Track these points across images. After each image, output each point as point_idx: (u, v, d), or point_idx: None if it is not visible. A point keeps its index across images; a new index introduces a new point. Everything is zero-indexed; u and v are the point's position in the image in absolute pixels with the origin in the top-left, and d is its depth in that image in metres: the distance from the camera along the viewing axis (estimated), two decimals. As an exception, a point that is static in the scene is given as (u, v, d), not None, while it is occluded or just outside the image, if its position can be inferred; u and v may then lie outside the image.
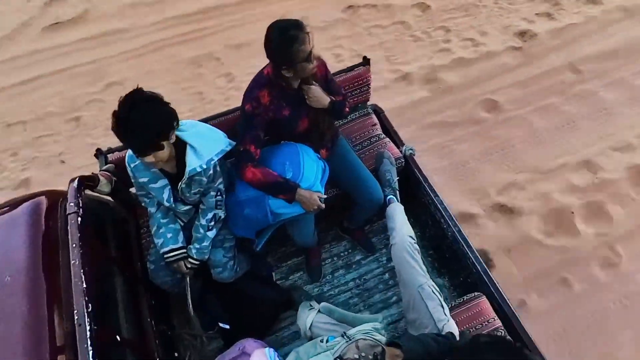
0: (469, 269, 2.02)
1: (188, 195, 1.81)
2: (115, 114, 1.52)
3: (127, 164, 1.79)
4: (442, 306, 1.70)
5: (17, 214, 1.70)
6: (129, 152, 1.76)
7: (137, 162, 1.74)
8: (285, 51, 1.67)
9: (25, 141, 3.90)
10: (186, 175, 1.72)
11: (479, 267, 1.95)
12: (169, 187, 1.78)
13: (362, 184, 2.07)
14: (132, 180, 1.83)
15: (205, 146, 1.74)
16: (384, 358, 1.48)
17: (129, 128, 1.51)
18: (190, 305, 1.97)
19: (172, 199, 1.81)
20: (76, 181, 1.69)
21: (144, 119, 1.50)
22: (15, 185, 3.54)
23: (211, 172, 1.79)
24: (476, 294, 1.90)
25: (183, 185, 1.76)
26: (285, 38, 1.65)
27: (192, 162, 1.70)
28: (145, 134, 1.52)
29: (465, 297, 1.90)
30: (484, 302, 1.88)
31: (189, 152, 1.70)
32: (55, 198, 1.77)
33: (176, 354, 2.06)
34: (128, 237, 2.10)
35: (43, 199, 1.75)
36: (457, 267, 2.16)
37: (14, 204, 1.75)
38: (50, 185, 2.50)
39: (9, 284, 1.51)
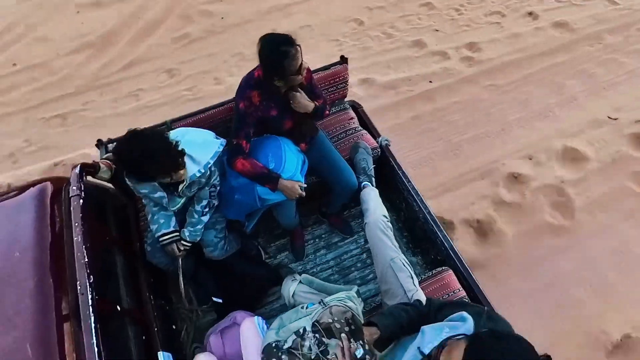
0: (438, 246, 2.09)
1: (188, 193, 1.88)
2: (126, 166, 1.65)
3: (126, 179, 1.83)
4: (412, 277, 1.76)
5: (24, 198, 1.73)
6: None
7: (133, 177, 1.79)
8: (277, 65, 1.72)
9: (391, 20, 4.64)
10: (187, 181, 1.79)
11: (446, 245, 2.02)
12: (164, 193, 1.84)
13: (338, 171, 2.13)
14: (133, 190, 1.88)
15: (200, 152, 1.81)
16: (354, 322, 1.55)
17: (146, 165, 1.60)
18: (182, 285, 2.02)
19: (166, 200, 1.86)
20: (78, 167, 1.74)
21: (150, 147, 1.58)
22: (410, 44, 4.31)
23: (208, 172, 1.86)
24: (444, 267, 1.97)
25: (184, 188, 1.82)
26: (277, 53, 1.70)
27: (191, 169, 1.77)
28: (159, 160, 1.61)
29: (434, 271, 1.96)
30: (451, 275, 1.94)
31: (187, 160, 1.76)
32: (59, 184, 1.81)
33: (174, 327, 2.11)
34: (127, 220, 2.15)
35: (48, 184, 1.79)
36: (428, 245, 2.22)
37: (20, 189, 1.79)
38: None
39: (17, 258, 1.56)
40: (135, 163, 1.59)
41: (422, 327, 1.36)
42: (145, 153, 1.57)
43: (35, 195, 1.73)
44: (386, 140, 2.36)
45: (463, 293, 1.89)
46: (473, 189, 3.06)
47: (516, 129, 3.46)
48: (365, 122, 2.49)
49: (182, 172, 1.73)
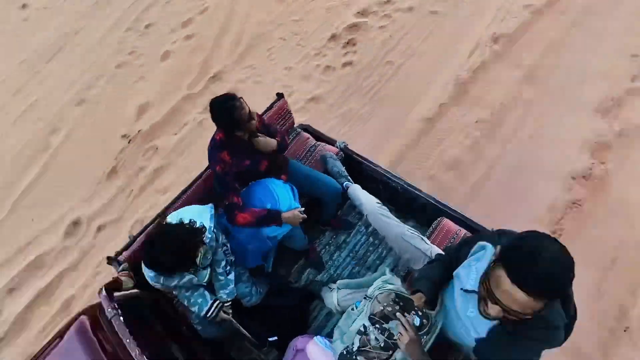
0: (424, 204, 2.09)
1: (205, 261, 1.74)
2: (164, 265, 1.55)
3: (154, 284, 1.71)
4: (423, 239, 1.75)
5: (69, 341, 1.53)
6: (149, 275, 1.69)
7: (161, 278, 1.66)
8: (231, 119, 1.68)
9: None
10: (202, 252, 1.67)
11: (431, 200, 2.02)
12: (192, 276, 1.72)
13: (322, 184, 2.08)
14: (165, 290, 1.77)
15: (200, 221, 1.70)
16: (401, 299, 1.50)
17: (183, 252, 1.55)
18: (247, 334, 1.88)
19: (195, 279, 1.74)
20: (103, 290, 1.59)
21: (175, 237, 1.54)
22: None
23: (214, 235, 1.75)
24: (439, 219, 1.96)
25: (202, 259, 1.69)
26: (226, 110, 1.67)
27: None
28: (189, 241, 1.58)
29: (432, 226, 1.95)
30: (447, 222, 1.95)
31: None
32: (93, 312, 1.63)
33: None
34: (165, 311, 1.97)
35: (84, 318, 1.60)
36: (416, 207, 2.21)
37: (61, 334, 1.58)
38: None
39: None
40: (172, 257, 1.51)
41: (453, 273, 1.34)
42: (176, 243, 1.52)
43: (78, 333, 1.53)
44: (343, 142, 2.34)
45: (463, 230, 1.90)
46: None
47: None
48: (320, 136, 2.45)
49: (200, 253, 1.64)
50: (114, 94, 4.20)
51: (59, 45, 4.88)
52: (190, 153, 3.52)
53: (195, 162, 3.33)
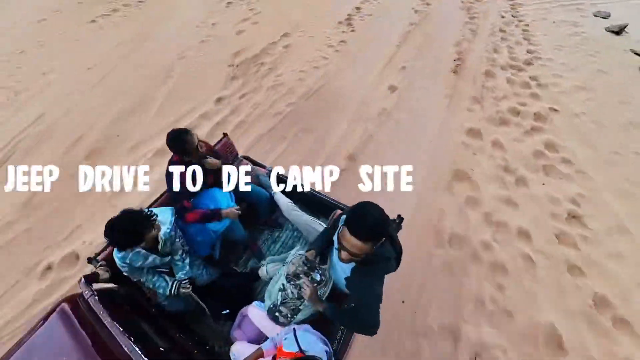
0: (324, 204, 2.47)
1: (165, 248, 1.97)
2: (121, 238, 1.73)
3: (122, 268, 1.86)
4: (320, 223, 2.17)
5: (52, 322, 1.66)
6: (117, 256, 1.86)
7: (127, 257, 1.84)
8: (182, 148, 2.00)
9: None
10: (162, 239, 1.91)
11: (329, 201, 2.43)
12: (155, 256, 1.93)
13: (256, 193, 2.46)
14: (129, 273, 1.90)
15: (162, 217, 1.96)
16: (307, 259, 1.87)
17: (138, 228, 1.76)
18: (205, 308, 2.09)
19: (158, 260, 1.94)
20: (82, 279, 1.77)
21: (131, 217, 1.75)
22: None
23: (173, 228, 2.00)
24: (335, 211, 2.33)
25: (163, 246, 1.92)
26: (178, 141, 1.98)
27: (163, 229, 1.92)
28: (142, 221, 1.77)
29: (331, 215, 2.32)
30: (338, 211, 2.31)
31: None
32: (73, 298, 1.76)
33: (207, 347, 2.14)
34: (135, 298, 2.12)
35: (65, 304, 1.72)
36: (320, 206, 2.54)
37: (44, 318, 1.69)
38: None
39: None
40: (126, 232, 1.70)
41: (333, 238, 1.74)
42: (131, 221, 1.71)
43: (60, 317, 1.66)
44: (270, 167, 2.73)
45: None
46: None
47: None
48: (255, 162, 2.84)
49: (159, 227, 1.84)
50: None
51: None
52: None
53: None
